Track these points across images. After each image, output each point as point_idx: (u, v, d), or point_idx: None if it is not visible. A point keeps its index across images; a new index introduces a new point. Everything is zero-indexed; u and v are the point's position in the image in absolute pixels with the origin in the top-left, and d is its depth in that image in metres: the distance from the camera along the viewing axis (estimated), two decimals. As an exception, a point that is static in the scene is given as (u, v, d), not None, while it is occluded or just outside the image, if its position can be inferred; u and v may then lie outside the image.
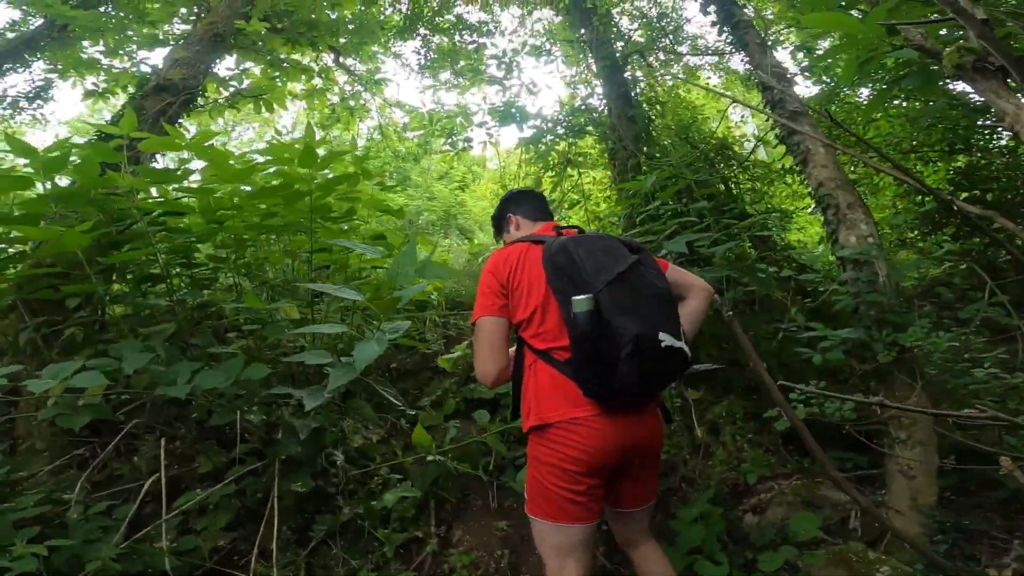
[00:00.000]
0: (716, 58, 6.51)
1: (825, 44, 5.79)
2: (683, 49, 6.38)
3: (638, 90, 5.42)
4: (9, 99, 6.18)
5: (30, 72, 6.29)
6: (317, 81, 6.41)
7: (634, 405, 1.57)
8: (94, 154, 2.27)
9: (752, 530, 2.44)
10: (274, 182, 2.72)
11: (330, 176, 2.85)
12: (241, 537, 2.21)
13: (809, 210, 4.93)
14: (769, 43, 4.12)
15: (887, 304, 2.49)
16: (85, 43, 5.94)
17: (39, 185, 2.27)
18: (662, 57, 6.29)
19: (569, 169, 5.02)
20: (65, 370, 1.65)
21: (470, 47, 6.61)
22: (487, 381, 1.67)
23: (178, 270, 2.75)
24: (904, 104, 4.23)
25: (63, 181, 2.68)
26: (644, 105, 5.06)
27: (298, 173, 2.73)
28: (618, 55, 5.60)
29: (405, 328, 1.84)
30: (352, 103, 6.95)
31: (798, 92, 3.80)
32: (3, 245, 2.46)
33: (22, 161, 2.25)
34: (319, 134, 6.70)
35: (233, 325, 2.82)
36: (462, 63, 6.59)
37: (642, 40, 5.92)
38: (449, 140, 5.72)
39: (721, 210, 3.37)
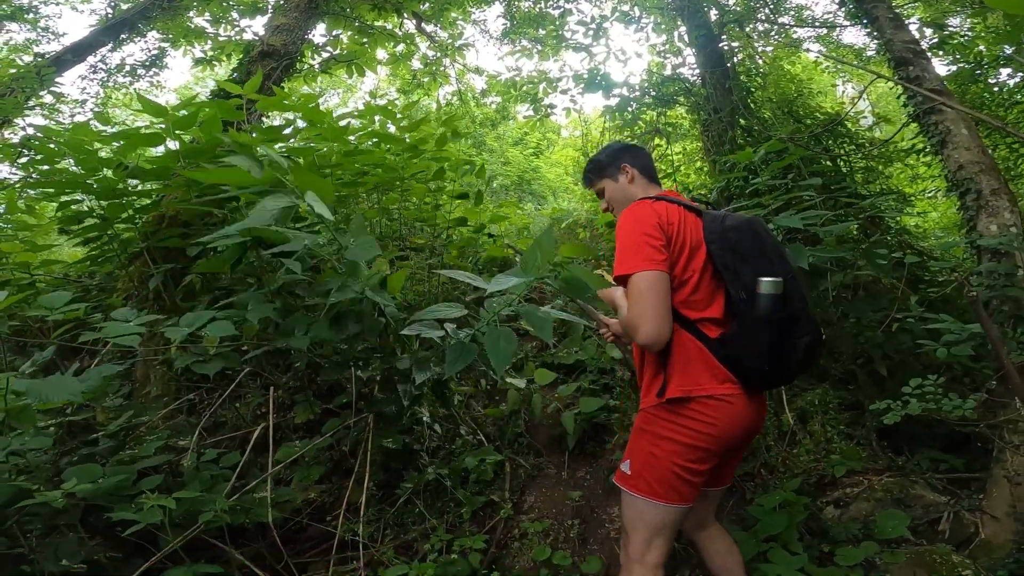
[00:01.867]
0: (823, 30, 5.93)
1: (956, 22, 5.11)
2: (785, 20, 5.85)
3: (735, 60, 5.04)
4: (128, 67, 6.59)
5: (145, 41, 6.66)
6: (400, 47, 6.46)
7: (761, 390, 1.57)
8: (218, 112, 2.37)
9: (833, 523, 2.34)
10: (368, 143, 2.77)
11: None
12: (329, 491, 2.28)
13: (930, 193, 4.47)
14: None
15: (1024, 300, 2.22)
16: (191, 13, 6.24)
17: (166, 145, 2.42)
18: (761, 28, 5.81)
19: (656, 140, 4.78)
20: (201, 319, 1.73)
21: (555, 11, 6.38)
22: (660, 344, 1.47)
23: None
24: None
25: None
26: (743, 76, 4.70)
27: (390, 135, 2.80)
28: (712, 23, 5.24)
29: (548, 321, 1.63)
30: (433, 69, 6.93)
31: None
32: (133, 198, 2.63)
33: (140, 123, 2.42)
34: (399, 100, 6.80)
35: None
36: (543, 31, 6.38)
37: (739, 8, 5.47)
38: (531, 106, 5.58)
39: (830, 189, 3.10)
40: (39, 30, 6.35)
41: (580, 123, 6.10)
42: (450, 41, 7.07)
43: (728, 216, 1.60)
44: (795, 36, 5.84)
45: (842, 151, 3.94)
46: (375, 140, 2.83)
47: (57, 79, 5.52)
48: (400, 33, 6.39)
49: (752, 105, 4.52)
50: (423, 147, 2.85)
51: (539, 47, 6.57)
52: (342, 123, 2.80)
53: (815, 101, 4.78)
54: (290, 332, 1.82)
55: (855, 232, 3.23)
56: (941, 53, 4.00)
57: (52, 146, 2.35)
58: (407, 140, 2.84)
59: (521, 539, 2.33)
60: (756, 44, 5.51)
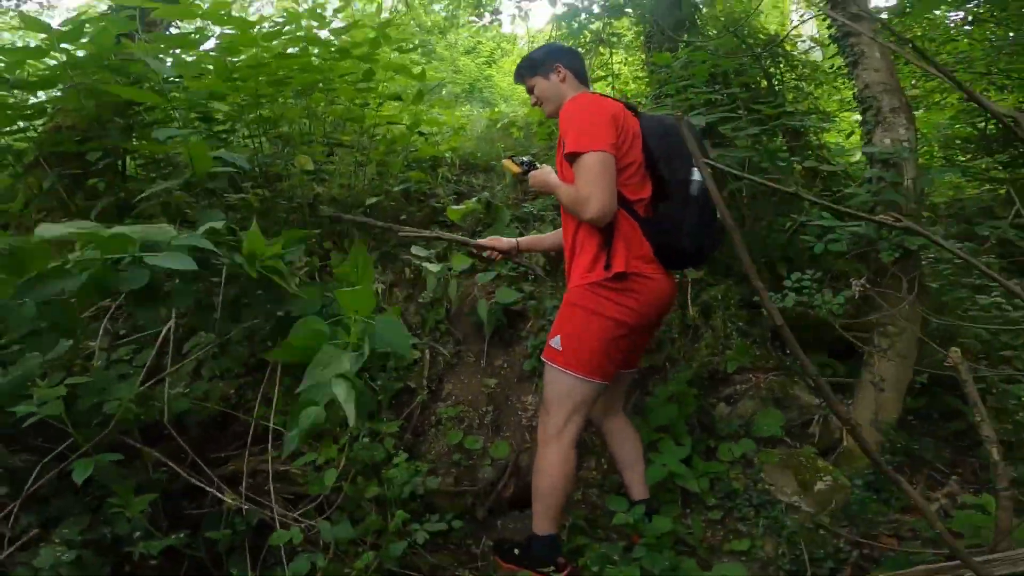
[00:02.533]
0: None
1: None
2: None
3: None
4: None
5: None
6: None
7: (675, 269, 1.83)
8: (109, 25, 2.26)
9: (721, 419, 2.52)
10: (291, 49, 2.70)
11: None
12: (247, 384, 2.31)
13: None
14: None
15: (906, 207, 2.37)
16: None
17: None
18: None
19: (600, 48, 4.69)
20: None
21: None
22: (607, 218, 1.63)
23: (196, 124, 2.73)
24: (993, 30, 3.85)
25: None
26: (690, -7, 4.59)
27: (315, 38, 2.72)
28: None
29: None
30: None
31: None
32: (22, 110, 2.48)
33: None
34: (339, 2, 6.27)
35: (249, 176, 2.85)
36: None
37: None
38: (476, 12, 5.29)
39: (757, 101, 3.18)
40: None
41: (527, 34, 5.88)
42: None
43: (665, 117, 1.82)
44: None
45: (777, 71, 3.99)
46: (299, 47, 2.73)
47: None
48: None
49: (699, 22, 4.48)
50: (354, 51, 2.76)
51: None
52: (265, 27, 2.69)
53: (760, 21, 4.76)
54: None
55: (779, 143, 3.35)
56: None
57: None
58: (336, 43, 2.74)
59: (437, 425, 2.43)
60: None
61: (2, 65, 2.28)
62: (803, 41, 5.63)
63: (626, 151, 1.69)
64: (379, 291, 2.77)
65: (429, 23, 7.32)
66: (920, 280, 2.43)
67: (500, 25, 5.40)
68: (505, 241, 2.21)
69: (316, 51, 2.72)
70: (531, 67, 1.91)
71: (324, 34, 2.90)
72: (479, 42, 9.66)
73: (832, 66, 4.03)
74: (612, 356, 1.69)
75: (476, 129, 4.38)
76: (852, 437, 2.20)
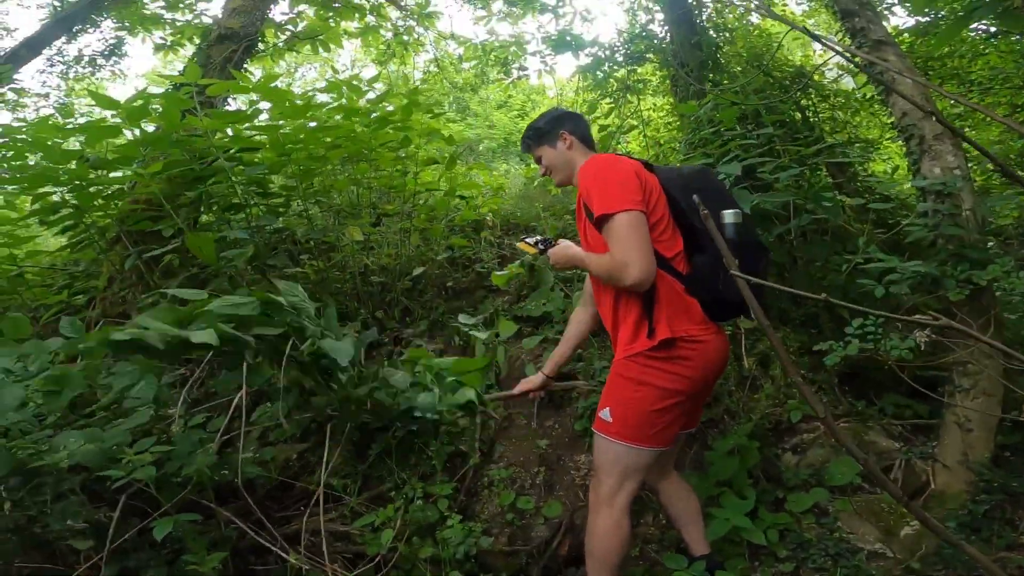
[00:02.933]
0: None
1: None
2: None
3: (704, 15, 4.96)
4: (86, 58, 6.51)
5: (100, 31, 6.55)
6: (370, 19, 6.32)
7: (726, 320, 1.72)
8: (172, 102, 2.45)
9: (788, 470, 2.39)
10: (337, 117, 2.85)
11: (388, 108, 2.94)
12: (310, 450, 2.37)
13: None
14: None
15: (967, 239, 2.24)
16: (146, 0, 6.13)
17: (127, 134, 2.49)
18: None
19: (628, 96, 4.75)
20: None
21: None
22: (650, 279, 1.52)
23: (255, 200, 2.94)
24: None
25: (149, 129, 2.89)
26: (711, 32, 4.62)
27: (356, 108, 2.87)
28: None
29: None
30: (406, 38, 6.80)
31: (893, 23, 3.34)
32: (103, 187, 2.70)
33: (109, 114, 2.46)
34: (375, 70, 6.70)
35: (305, 248, 3.00)
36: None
37: None
38: (504, 69, 5.51)
39: (794, 138, 3.11)
40: None
41: (555, 85, 6.07)
42: (418, 8, 6.93)
43: (683, 167, 1.77)
44: None
45: (810, 103, 3.92)
46: (341, 115, 2.89)
47: (15, 75, 5.48)
48: (368, 4, 6.25)
49: (721, 60, 4.46)
50: (390, 118, 2.91)
51: (505, 9, 6.44)
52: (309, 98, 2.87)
53: (783, 54, 4.73)
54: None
55: (824, 178, 3.26)
56: (907, 6, 3.94)
57: (13, 140, 2.44)
58: (373, 114, 2.91)
59: (489, 487, 2.41)
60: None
61: (82, 141, 2.46)
62: (830, 70, 5.57)
63: (653, 206, 1.62)
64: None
65: (461, 81, 7.68)
66: (996, 315, 2.27)
67: (528, 79, 5.59)
68: (536, 379, 2.11)
69: (357, 120, 2.86)
70: (537, 137, 1.85)
71: (362, 101, 3.05)
72: (510, 96, 10.03)
73: (864, 95, 3.93)
74: (666, 424, 1.60)
75: (514, 188, 4.48)
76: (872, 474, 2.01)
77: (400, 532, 2.04)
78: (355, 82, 3.02)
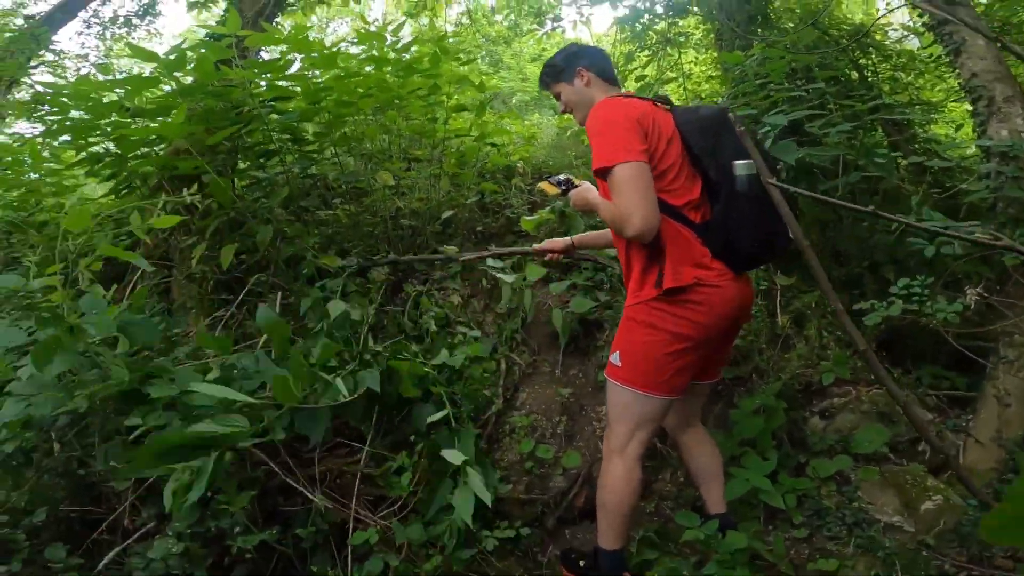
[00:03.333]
0: None
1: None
2: None
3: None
4: (121, 18, 6.71)
5: None
6: None
7: (744, 270, 1.63)
8: (209, 53, 2.47)
9: (814, 434, 2.33)
10: (367, 68, 2.86)
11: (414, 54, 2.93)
12: None
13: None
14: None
15: (1032, 202, 2.09)
16: None
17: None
18: None
19: (668, 49, 4.53)
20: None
21: None
22: (652, 231, 1.48)
23: (288, 146, 2.97)
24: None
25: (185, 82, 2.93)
26: (761, -15, 4.35)
27: (386, 57, 2.86)
28: None
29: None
30: None
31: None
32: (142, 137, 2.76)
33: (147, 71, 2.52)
34: (406, 22, 6.61)
35: (337, 192, 3.02)
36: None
37: None
38: (538, 20, 5.30)
39: (848, 95, 2.93)
40: None
41: (592, 37, 5.84)
42: None
43: (701, 107, 1.67)
44: None
45: (869, 62, 3.65)
46: (371, 65, 2.90)
47: (52, 37, 5.64)
48: None
49: (772, 15, 4.19)
50: (418, 66, 2.89)
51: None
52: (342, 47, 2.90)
53: (841, 11, 4.40)
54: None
55: (878, 138, 3.07)
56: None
57: (62, 99, 2.51)
58: (402, 60, 2.90)
59: (511, 434, 2.44)
60: None
61: (122, 93, 2.54)
62: (894, 30, 5.19)
63: (662, 153, 1.55)
64: (458, 302, 2.83)
65: (494, 34, 7.48)
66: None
67: (563, 32, 5.38)
68: (560, 241, 2.19)
69: (387, 70, 2.86)
70: (554, 74, 1.81)
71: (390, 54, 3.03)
72: (544, 49, 9.80)
73: (931, 55, 3.64)
74: (676, 370, 1.56)
75: (546, 137, 4.39)
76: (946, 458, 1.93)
77: (421, 477, 2.08)
78: (380, 31, 3.00)
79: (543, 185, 1.91)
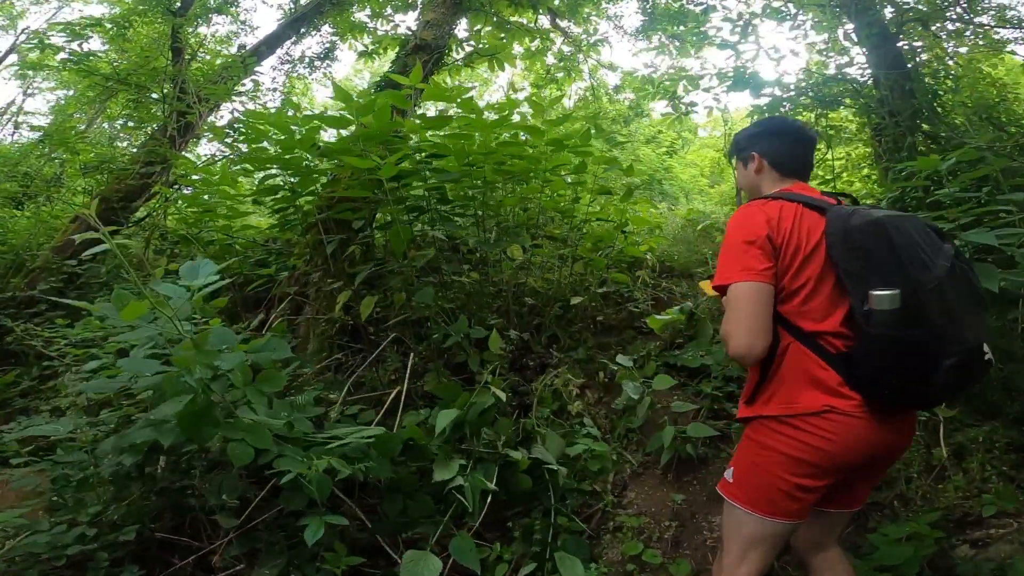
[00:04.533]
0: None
1: None
2: (984, 19, 5.49)
3: (918, 61, 4.89)
4: (306, 60, 8.17)
5: (319, 35, 8.22)
6: (536, 43, 7.15)
7: (894, 407, 1.49)
8: (388, 100, 2.96)
9: (964, 562, 2.27)
10: (507, 134, 3.25)
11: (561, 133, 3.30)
12: None
13: None
14: None
15: None
16: (354, 9, 7.56)
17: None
18: (951, 27, 5.49)
19: (819, 145, 4.81)
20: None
21: (697, 8, 6.58)
22: (751, 358, 1.51)
23: (436, 207, 3.41)
24: None
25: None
26: (928, 79, 4.51)
27: (535, 128, 3.20)
28: (888, 22, 5.06)
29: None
30: (568, 64, 7.52)
31: None
32: (318, 175, 3.35)
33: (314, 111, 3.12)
34: (531, 94, 7.46)
35: (467, 259, 3.48)
36: (682, 27, 6.61)
37: (923, 8, 5.28)
38: (670, 103, 5.83)
39: None
40: (239, 23, 8.15)
41: (721, 122, 6.26)
42: (584, 36, 7.56)
43: (856, 212, 1.49)
44: (996, 37, 5.48)
45: None
46: (514, 132, 3.30)
47: (256, 69, 6.98)
48: (536, 28, 7.05)
49: (939, 109, 4.32)
50: (566, 142, 3.24)
51: (676, 43, 6.80)
52: (485, 114, 3.32)
53: (1022, 107, 4.50)
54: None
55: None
56: None
57: (260, 126, 3.09)
58: (550, 132, 3.22)
59: (615, 532, 2.56)
60: (946, 44, 5.27)
61: (306, 129, 2.99)
62: None
63: (796, 271, 1.52)
64: (572, 392, 3.08)
65: (614, 112, 8.17)
66: None
67: (693, 115, 5.85)
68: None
69: (529, 140, 3.22)
70: (735, 150, 1.88)
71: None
72: (660, 131, 10.41)
73: None
74: (794, 495, 1.53)
75: (671, 227, 4.72)
76: None
77: (518, 563, 2.24)
78: (536, 100, 3.38)
79: (703, 284, 2.05)
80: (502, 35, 6.46)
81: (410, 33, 5.51)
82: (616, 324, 3.52)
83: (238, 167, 3.57)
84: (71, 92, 9.06)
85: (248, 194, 3.60)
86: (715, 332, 3.28)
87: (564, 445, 2.70)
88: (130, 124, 7.34)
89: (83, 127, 8.12)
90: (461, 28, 6.13)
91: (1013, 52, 5.73)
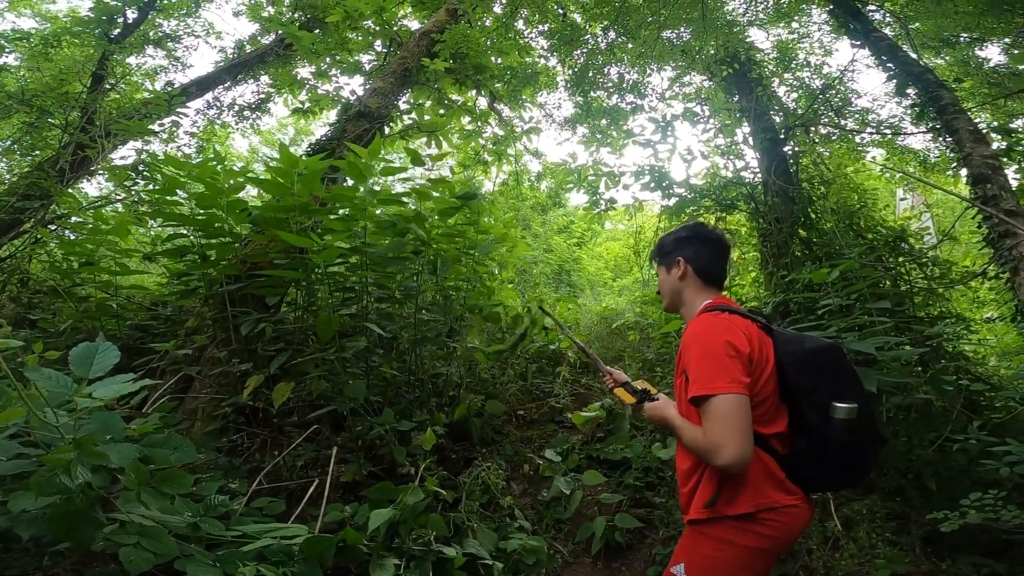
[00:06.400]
0: (888, 134, 6.80)
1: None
2: (849, 123, 6.73)
3: (799, 166, 5.82)
4: (237, 107, 8.26)
5: (256, 84, 8.38)
6: (472, 124, 7.80)
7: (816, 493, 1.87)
8: (314, 170, 3.03)
9: None
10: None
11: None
12: None
13: (987, 317, 5.00)
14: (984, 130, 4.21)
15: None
16: (302, 64, 7.90)
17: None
18: (824, 132, 6.67)
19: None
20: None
21: (628, 107, 7.57)
22: (742, 466, 1.63)
23: (370, 289, 3.48)
24: None
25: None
26: (804, 184, 5.41)
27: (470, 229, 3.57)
28: (778, 126, 6.08)
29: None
30: (500, 149, 8.19)
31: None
32: (227, 239, 3.27)
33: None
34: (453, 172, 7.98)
35: (382, 345, 3.57)
36: (606, 122, 7.54)
37: (807, 112, 6.35)
38: (591, 198, 6.47)
39: (892, 311, 3.63)
40: (173, 59, 8.04)
41: (631, 218, 7.00)
42: (518, 122, 8.40)
43: (807, 339, 1.84)
44: (859, 141, 6.70)
45: (903, 270, 4.48)
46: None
47: (180, 109, 6.78)
48: (476, 109, 7.75)
49: (813, 215, 5.16)
50: (488, 231, 3.64)
51: (599, 136, 7.72)
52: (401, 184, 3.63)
53: (879, 214, 5.36)
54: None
55: (914, 357, 3.75)
56: (1007, 161, 4.36)
57: (174, 174, 3.06)
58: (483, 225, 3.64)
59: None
60: (819, 148, 6.32)
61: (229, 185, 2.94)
62: (929, 235, 6.23)
63: (763, 383, 1.74)
64: (498, 485, 3.29)
65: (532, 200, 8.84)
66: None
67: (612, 211, 6.51)
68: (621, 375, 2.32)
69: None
70: (657, 253, 2.07)
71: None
72: (572, 222, 11.26)
73: (982, 269, 4.17)
74: None
75: (587, 322, 5.13)
76: None
77: None
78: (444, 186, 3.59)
79: (619, 392, 2.14)
80: (441, 111, 7.03)
81: (353, 98, 5.79)
82: (538, 418, 3.78)
83: (135, 216, 3.49)
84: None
85: (141, 249, 3.47)
86: (631, 427, 3.61)
87: (497, 539, 2.88)
88: (13, 148, 6.85)
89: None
90: (402, 100, 6.53)
91: (873, 159, 6.93)
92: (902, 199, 9.95)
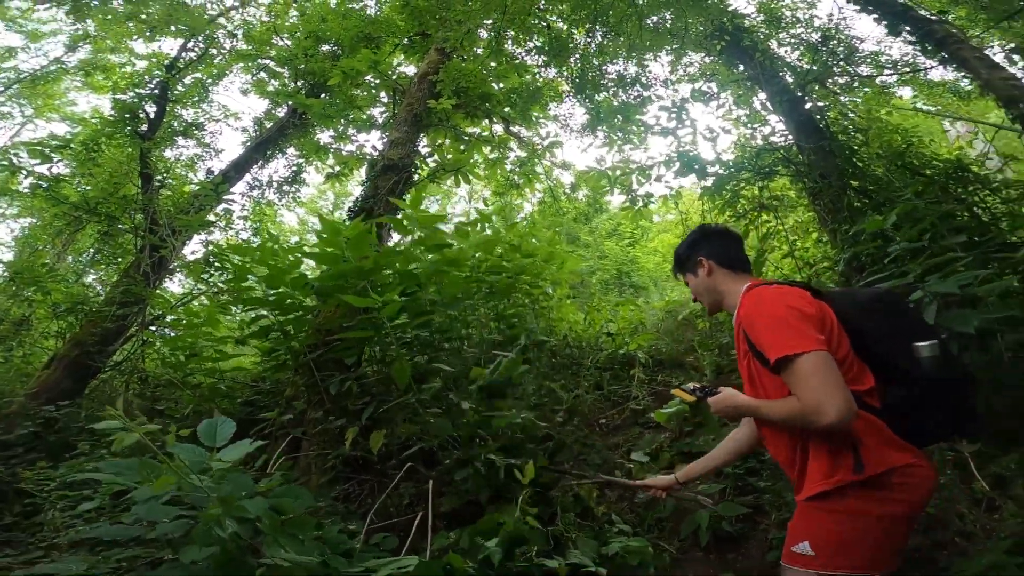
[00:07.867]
0: (907, 73, 6.47)
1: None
2: (863, 69, 6.42)
3: (826, 120, 5.57)
4: (275, 184, 8.60)
5: (285, 158, 8.70)
6: (494, 152, 7.89)
7: (925, 447, 1.75)
8: (363, 235, 3.25)
9: None
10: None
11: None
12: None
13: None
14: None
15: None
16: (317, 130, 8.14)
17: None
18: (842, 82, 6.39)
19: (764, 215, 5.26)
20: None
21: (635, 101, 7.49)
22: (853, 418, 1.57)
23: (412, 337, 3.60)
24: None
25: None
26: (839, 135, 5.14)
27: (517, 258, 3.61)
28: (792, 86, 5.87)
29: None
30: (527, 170, 8.22)
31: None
32: (300, 312, 3.54)
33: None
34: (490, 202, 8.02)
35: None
36: (622, 119, 7.48)
37: (815, 67, 6.10)
38: (629, 197, 6.37)
39: (975, 242, 3.31)
40: (204, 146, 8.39)
41: (674, 207, 6.86)
42: (537, 140, 8.39)
43: (857, 292, 1.86)
44: (880, 83, 6.39)
45: (977, 198, 4.11)
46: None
47: (226, 196, 7.19)
48: (492, 137, 7.86)
49: (859, 163, 4.88)
50: (534, 253, 3.67)
51: (619, 135, 7.64)
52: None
53: (928, 150, 5.03)
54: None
55: (1016, 285, 3.44)
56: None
57: (240, 262, 3.30)
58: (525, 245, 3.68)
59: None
60: (842, 99, 6.07)
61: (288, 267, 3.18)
62: (990, 159, 5.85)
63: (836, 345, 1.68)
64: (591, 494, 3.20)
65: (573, 211, 8.81)
66: None
67: (650, 205, 6.40)
68: (663, 480, 2.34)
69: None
70: (679, 265, 2.08)
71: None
72: (619, 224, 11.16)
73: None
74: (899, 544, 1.69)
75: (651, 320, 5.02)
76: None
77: None
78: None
79: (676, 392, 2.09)
80: (461, 147, 7.12)
81: (376, 153, 5.99)
82: (621, 424, 3.68)
83: (220, 305, 3.84)
84: (36, 221, 8.91)
85: (232, 335, 3.78)
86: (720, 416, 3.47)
87: (598, 546, 2.78)
88: (98, 259, 7.42)
89: (49, 261, 8.08)
90: (421, 145, 6.67)
91: (900, 96, 6.56)
92: (947, 130, 9.42)
